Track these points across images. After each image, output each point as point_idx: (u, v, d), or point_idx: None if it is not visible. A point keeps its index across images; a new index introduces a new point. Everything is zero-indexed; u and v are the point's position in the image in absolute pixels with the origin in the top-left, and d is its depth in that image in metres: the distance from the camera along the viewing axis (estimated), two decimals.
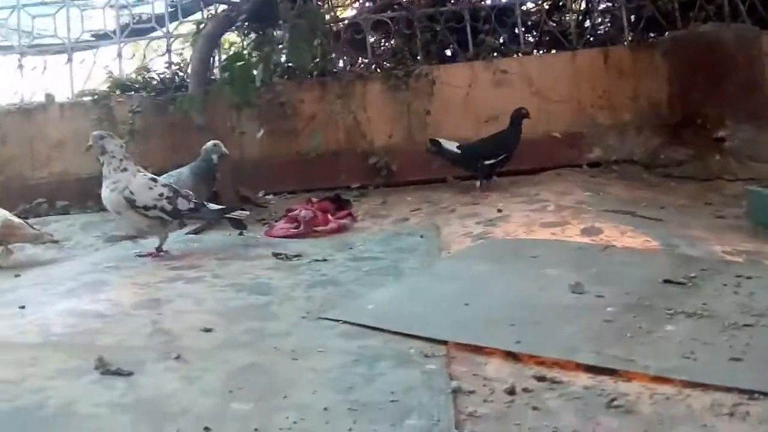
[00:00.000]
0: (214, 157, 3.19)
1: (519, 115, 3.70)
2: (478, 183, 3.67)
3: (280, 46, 4.09)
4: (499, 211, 3.01)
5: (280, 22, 3.76)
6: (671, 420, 1.07)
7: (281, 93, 4.08)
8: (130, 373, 1.33)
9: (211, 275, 2.19)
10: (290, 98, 4.11)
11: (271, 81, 4.07)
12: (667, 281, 1.79)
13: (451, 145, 3.69)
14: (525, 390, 1.22)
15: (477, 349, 1.46)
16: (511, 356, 1.41)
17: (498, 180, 3.74)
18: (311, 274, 2.25)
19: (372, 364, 1.39)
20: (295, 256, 2.51)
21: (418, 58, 4.29)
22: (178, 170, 3.18)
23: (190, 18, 4.51)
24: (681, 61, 3.99)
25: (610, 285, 1.80)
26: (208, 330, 1.64)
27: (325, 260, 2.44)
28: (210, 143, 3.22)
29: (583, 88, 4.15)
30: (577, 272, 1.94)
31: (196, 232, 3.03)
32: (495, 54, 4.34)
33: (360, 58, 4.58)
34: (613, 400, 1.15)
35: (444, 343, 1.50)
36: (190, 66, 4.07)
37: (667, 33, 4.19)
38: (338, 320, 1.70)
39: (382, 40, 4.89)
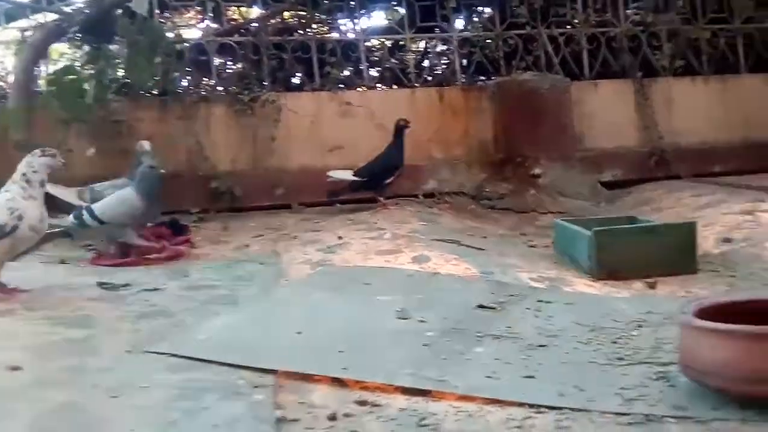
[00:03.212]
0: (153, 175, 2.94)
1: (399, 128, 3.94)
2: (382, 199, 3.94)
3: (117, 62, 3.91)
4: (340, 238, 3.12)
5: (117, 37, 3.60)
6: None
7: (116, 110, 3.89)
8: None
9: (24, 308, 2.02)
10: (126, 117, 3.93)
11: (106, 98, 3.87)
12: (480, 306, 1.99)
13: (347, 175, 3.90)
14: (346, 415, 1.29)
15: (306, 377, 1.51)
16: (337, 382, 1.48)
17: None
18: (140, 304, 2.17)
19: (197, 397, 1.39)
20: (124, 285, 2.40)
21: (265, 84, 4.33)
22: (121, 191, 2.92)
23: (13, 24, 4.15)
24: (504, 104, 4.44)
25: (432, 310, 1.95)
26: (15, 368, 1.52)
27: (156, 289, 2.36)
28: (145, 165, 2.99)
29: (420, 124, 4.42)
30: (405, 298, 2.08)
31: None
32: (340, 86, 4.50)
33: (205, 80, 4.52)
34: (423, 419, 1.26)
35: (274, 372, 1.53)
36: (12, 76, 3.74)
37: (493, 78, 4.64)
38: (166, 353, 1.66)
39: (229, 64, 4.86)
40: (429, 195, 4.34)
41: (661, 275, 2.43)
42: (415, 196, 4.30)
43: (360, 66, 4.66)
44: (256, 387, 1.44)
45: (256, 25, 4.44)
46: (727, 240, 2.88)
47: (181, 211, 3.78)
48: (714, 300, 1.38)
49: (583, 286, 2.37)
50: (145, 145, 3.35)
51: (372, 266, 2.53)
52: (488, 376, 1.45)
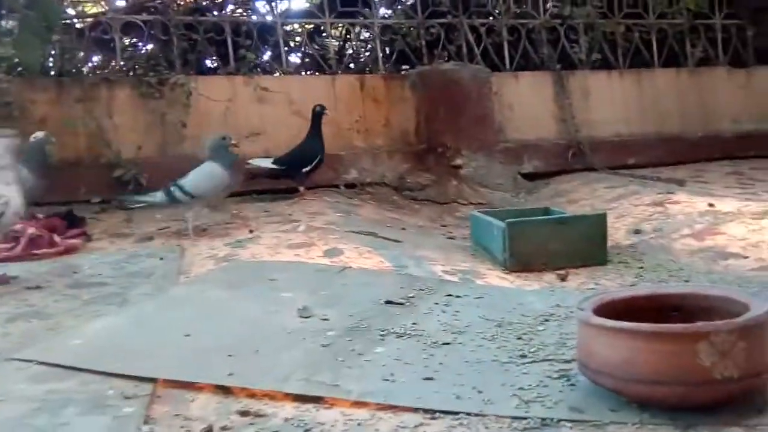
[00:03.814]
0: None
1: (315, 114, 3.83)
2: (302, 189, 3.86)
3: (8, 39, 3.58)
4: (251, 231, 2.97)
5: (4, 11, 3.28)
6: None
7: (6, 91, 3.55)
8: None
9: None
10: (18, 98, 3.60)
11: None
12: (388, 302, 1.90)
13: (266, 162, 3.81)
14: (223, 428, 1.17)
15: (188, 385, 1.37)
16: (223, 390, 1.35)
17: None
18: (16, 304, 1.96)
19: (57, 412, 1.23)
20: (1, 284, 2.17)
21: (176, 66, 4.08)
22: (202, 165, 3.05)
23: None
24: (426, 93, 4.38)
25: (337, 307, 1.85)
26: None
27: (38, 288, 2.15)
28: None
29: (341, 112, 4.31)
30: (311, 295, 1.97)
31: None
32: (258, 70, 4.31)
33: (111, 61, 4.22)
34: (308, 430, 1.15)
35: (153, 380, 1.39)
36: None
37: (415, 67, 4.57)
38: (32, 360, 1.48)
39: (138, 44, 4.56)
40: (350, 185, 4.23)
41: (573, 267, 2.43)
42: (336, 186, 4.19)
43: (278, 51, 4.47)
44: (127, 398, 1.29)
45: (165, 2, 4.17)
46: (637, 231, 2.92)
47: (81, 201, 3.51)
48: (613, 295, 1.34)
49: (496, 278, 2.33)
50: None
51: (280, 261, 2.40)
52: (385, 379, 1.36)
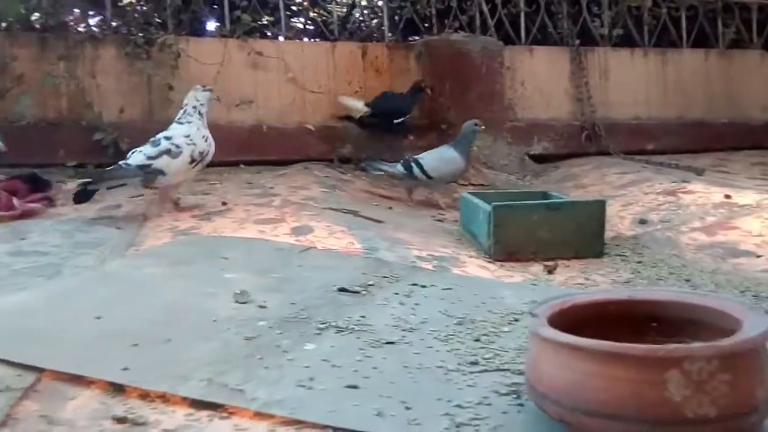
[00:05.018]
0: (474, 136, 3.20)
1: (417, 86, 3.79)
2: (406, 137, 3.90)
3: None
4: (224, 203, 2.78)
5: None
6: None
7: None
8: None
9: None
10: None
11: None
12: (341, 290, 1.68)
13: (357, 103, 3.75)
14: None
15: (78, 379, 1.18)
16: (115, 388, 1.15)
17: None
18: None
19: None
20: None
21: (168, 26, 3.87)
22: (442, 149, 3.20)
23: None
24: (432, 65, 4.11)
25: (282, 293, 1.64)
26: None
27: None
28: (470, 122, 3.20)
29: (340, 82, 4.08)
30: (259, 277, 1.77)
31: None
32: (256, 34, 4.09)
33: (100, 18, 4.03)
34: None
35: (41, 370, 1.20)
36: None
37: (423, 37, 4.30)
38: None
39: (132, 1, 4.36)
40: (346, 160, 4.01)
41: (564, 258, 2.18)
42: (330, 160, 3.97)
43: (278, 14, 4.23)
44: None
45: None
46: (643, 222, 2.66)
47: (56, 164, 3.35)
48: (578, 299, 1.10)
49: (476, 267, 2.10)
50: (471, 122, 3.19)
51: (240, 237, 2.20)
52: (301, 385, 1.15)
